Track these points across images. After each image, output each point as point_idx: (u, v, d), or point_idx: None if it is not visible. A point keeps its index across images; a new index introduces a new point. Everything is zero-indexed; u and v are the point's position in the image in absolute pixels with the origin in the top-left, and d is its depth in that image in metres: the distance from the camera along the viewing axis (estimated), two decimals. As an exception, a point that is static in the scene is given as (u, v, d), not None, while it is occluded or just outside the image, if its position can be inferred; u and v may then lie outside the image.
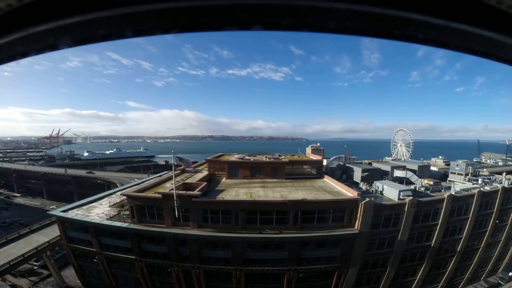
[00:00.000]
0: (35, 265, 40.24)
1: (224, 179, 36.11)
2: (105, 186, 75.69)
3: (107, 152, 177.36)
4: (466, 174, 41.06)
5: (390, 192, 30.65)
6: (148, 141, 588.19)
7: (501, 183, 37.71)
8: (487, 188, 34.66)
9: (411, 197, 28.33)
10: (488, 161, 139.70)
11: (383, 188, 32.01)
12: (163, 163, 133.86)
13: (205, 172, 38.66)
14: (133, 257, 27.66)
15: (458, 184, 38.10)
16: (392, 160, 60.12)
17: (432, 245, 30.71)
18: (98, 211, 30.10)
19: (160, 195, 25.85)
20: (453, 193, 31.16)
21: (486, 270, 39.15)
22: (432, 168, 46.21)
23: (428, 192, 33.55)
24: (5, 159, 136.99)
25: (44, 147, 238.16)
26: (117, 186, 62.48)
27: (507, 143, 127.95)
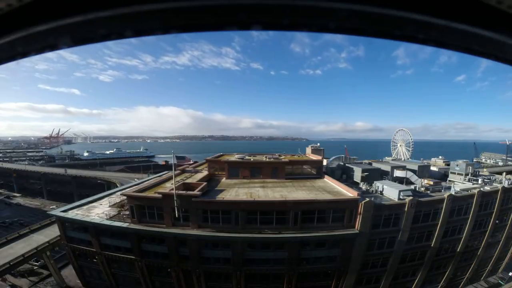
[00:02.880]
0: (35, 265, 40.23)
1: (224, 179, 36.09)
2: (105, 186, 75.70)
3: (107, 152, 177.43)
4: (466, 174, 41.04)
5: (390, 192, 30.64)
6: (148, 141, 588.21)
7: (501, 183, 37.69)
8: (487, 188, 34.65)
9: (411, 197, 28.32)
10: (488, 161, 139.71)
11: (383, 188, 32.00)
12: (163, 163, 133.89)
13: (205, 172, 38.65)
14: (133, 257, 27.66)
15: (458, 184, 38.08)
16: (392, 160, 60.11)
17: (432, 245, 30.70)
18: (98, 211, 30.09)
19: (160, 195, 25.85)
20: (453, 193, 31.15)
21: (486, 270, 39.14)
22: (432, 168, 46.21)
23: (428, 192, 33.54)
24: (5, 159, 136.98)
25: (44, 147, 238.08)
26: (117, 186, 62.48)
27: (507, 143, 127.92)
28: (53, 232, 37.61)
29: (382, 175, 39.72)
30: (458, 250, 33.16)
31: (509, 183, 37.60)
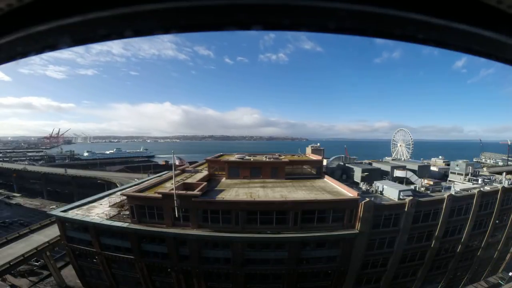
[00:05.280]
0: (35, 265, 40.25)
1: (224, 179, 36.09)
2: (105, 186, 75.67)
3: (107, 152, 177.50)
4: (466, 174, 41.03)
5: (390, 192, 30.64)
6: (148, 141, 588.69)
7: (501, 183, 37.68)
8: (487, 188, 34.65)
9: (411, 197, 28.31)
10: (488, 161, 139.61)
11: (383, 188, 32.00)
12: (163, 163, 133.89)
13: (205, 172, 38.65)
14: (133, 257, 27.65)
15: (458, 184, 38.06)
16: (392, 160, 60.09)
17: (432, 245, 30.69)
18: (98, 211, 30.09)
19: (160, 195, 25.86)
20: (453, 193, 31.14)
21: (486, 270, 39.14)
22: (432, 168, 46.17)
23: (428, 192, 33.52)
24: (5, 159, 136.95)
25: (44, 147, 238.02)
26: (117, 186, 62.46)
27: (509, 143, 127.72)
28: (53, 232, 37.62)
29: (382, 175, 39.72)
30: (458, 250, 33.15)
31: (509, 183, 37.60)
